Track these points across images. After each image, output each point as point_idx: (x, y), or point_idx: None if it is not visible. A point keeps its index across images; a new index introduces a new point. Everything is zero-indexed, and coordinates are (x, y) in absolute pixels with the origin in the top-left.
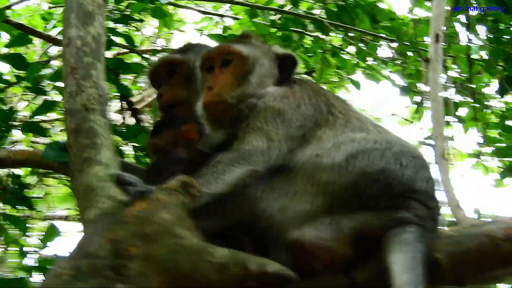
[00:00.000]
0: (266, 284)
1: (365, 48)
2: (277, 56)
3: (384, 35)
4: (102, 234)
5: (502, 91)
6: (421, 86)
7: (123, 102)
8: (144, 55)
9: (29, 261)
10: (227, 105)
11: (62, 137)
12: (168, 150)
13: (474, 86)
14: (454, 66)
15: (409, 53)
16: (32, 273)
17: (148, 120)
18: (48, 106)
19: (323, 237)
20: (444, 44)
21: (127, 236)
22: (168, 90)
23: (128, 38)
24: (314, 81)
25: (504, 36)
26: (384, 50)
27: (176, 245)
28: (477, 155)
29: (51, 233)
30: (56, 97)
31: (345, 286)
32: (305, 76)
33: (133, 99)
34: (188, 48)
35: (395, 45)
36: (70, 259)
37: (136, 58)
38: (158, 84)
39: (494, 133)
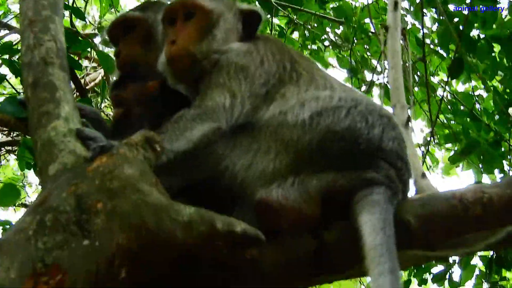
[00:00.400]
0: (233, 244)
1: (312, 32)
2: (242, 11)
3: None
4: (65, 188)
5: (452, 75)
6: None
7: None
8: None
9: None
10: (191, 58)
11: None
12: (131, 104)
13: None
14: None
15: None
16: None
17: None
18: None
19: (289, 197)
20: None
21: (91, 191)
22: (127, 48)
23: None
24: (278, 39)
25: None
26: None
27: (141, 201)
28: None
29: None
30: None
31: (312, 247)
32: None
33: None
34: (147, 6)
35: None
36: (33, 213)
37: None
38: (117, 42)
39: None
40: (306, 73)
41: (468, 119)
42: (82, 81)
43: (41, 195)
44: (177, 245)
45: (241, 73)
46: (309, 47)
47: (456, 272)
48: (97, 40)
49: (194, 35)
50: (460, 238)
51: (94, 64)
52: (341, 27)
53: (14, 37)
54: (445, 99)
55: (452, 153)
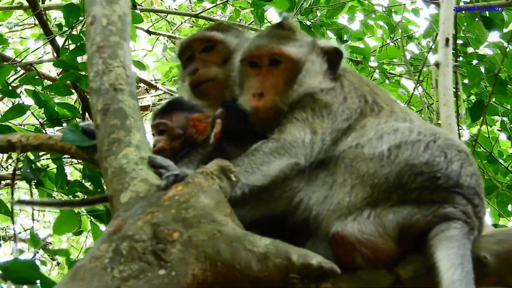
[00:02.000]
0: (308, 276)
1: None
2: (323, 50)
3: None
4: (140, 217)
5: (473, 117)
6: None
7: None
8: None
9: None
10: (277, 110)
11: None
12: (178, 134)
13: None
14: None
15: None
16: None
17: None
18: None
19: (365, 231)
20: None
21: (167, 220)
22: (205, 66)
23: None
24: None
25: None
26: None
27: (216, 231)
28: None
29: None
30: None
31: (389, 283)
32: None
33: None
34: (227, 29)
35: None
36: (108, 241)
37: None
38: (190, 58)
39: None
40: (387, 105)
41: (485, 161)
42: None
43: (114, 222)
44: (252, 277)
45: (325, 110)
46: None
47: None
48: None
49: (280, 86)
50: None
51: None
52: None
53: None
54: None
55: None
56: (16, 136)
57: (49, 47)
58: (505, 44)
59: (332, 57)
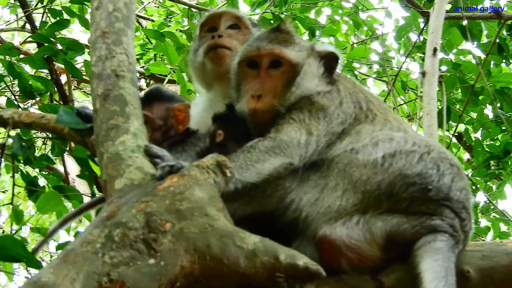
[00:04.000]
0: (293, 277)
1: None
2: (320, 54)
3: None
4: (135, 205)
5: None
6: None
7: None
8: None
9: None
10: (274, 112)
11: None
12: (159, 125)
13: None
14: None
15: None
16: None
17: None
18: None
19: (353, 236)
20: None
21: (161, 210)
22: (229, 36)
23: None
24: (352, 77)
25: None
26: None
27: (208, 225)
28: None
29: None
30: None
31: None
32: None
33: None
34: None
35: None
36: (101, 226)
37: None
38: (212, 28)
39: None
40: (381, 113)
41: None
42: None
43: (108, 208)
44: (239, 273)
45: (321, 112)
46: None
47: None
48: None
49: (279, 89)
50: None
51: None
52: None
53: None
54: None
55: None
56: (8, 112)
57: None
58: (483, 56)
59: (328, 61)
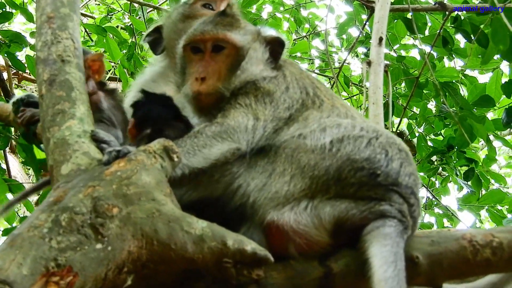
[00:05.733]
0: (241, 262)
1: None
2: (266, 39)
3: None
4: (82, 190)
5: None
6: None
7: None
8: None
9: None
10: (219, 95)
11: None
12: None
13: None
14: None
15: None
16: None
17: None
18: None
19: (301, 221)
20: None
21: (108, 195)
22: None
23: None
24: (297, 63)
25: None
26: None
27: (155, 210)
28: None
29: None
30: None
31: (319, 274)
32: None
33: None
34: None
35: None
36: (48, 210)
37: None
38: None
39: None
40: (328, 100)
41: None
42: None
43: (54, 193)
44: (186, 259)
45: (267, 97)
46: None
47: None
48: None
49: (223, 71)
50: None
51: None
52: None
53: None
54: None
55: None
56: None
57: None
58: (427, 49)
59: (274, 47)
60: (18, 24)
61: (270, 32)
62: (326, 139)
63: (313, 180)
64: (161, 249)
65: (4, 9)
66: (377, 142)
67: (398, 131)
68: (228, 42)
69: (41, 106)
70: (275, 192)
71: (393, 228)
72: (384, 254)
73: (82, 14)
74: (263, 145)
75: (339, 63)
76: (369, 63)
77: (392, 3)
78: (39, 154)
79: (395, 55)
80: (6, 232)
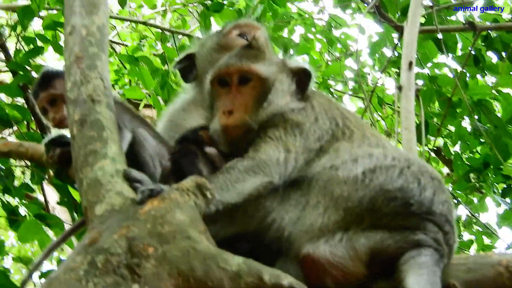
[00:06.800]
0: None
1: None
2: (292, 70)
3: None
4: (116, 230)
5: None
6: None
7: None
8: None
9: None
10: (247, 128)
11: None
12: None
13: None
14: None
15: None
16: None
17: None
18: None
19: (336, 253)
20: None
21: (142, 234)
22: None
23: None
24: (327, 94)
25: None
26: None
27: (190, 248)
28: None
29: None
30: None
31: None
32: None
33: None
34: None
35: None
36: (83, 253)
37: None
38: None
39: None
40: (357, 130)
41: None
42: None
43: (90, 234)
44: None
45: (297, 129)
46: None
47: None
48: None
49: (250, 104)
50: None
51: None
52: None
53: None
54: None
55: None
56: None
57: None
58: (459, 68)
59: (301, 77)
60: (50, 57)
61: (296, 62)
62: (358, 170)
63: (347, 212)
64: (198, 287)
65: (34, 44)
66: (409, 171)
67: (435, 148)
68: (253, 74)
69: (73, 147)
70: (310, 225)
71: (429, 257)
72: (421, 283)
73: (115, 42)
74: (295, 177)
75: (373, 83)
76: (400, 88)
77: (422, 24)
78: (76, 194)
79: (427, 71)
80: (43, 275)
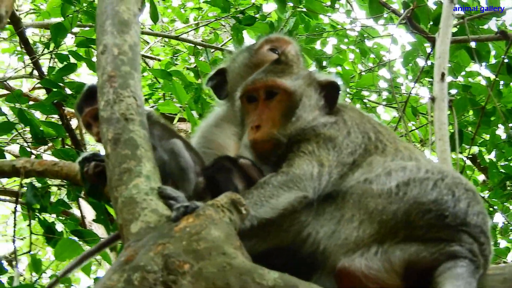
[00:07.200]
0: None
1: None
2: (320, 84)
3: None
4: (152, 248)
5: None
6: None
7: None
8: None
9: None
10: (275, 142)
11: None
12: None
13: None
14: None
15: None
16: None
17: None
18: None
19: (372, 266)
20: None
21: (178, 251)
22: None
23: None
24: (358, 108)
25: None
26: None
27: (226, 264)
28: None
29: None
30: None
31: None
32: None
33: None
34: None
35: None
36: (120, 270)
37: None
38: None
39: None
40: (390, 143)
41: None
42: None
43: (126, 252)
44: None
45: (330, 143)
46: None
47: None
48: None
49: (278, 118)
50: None
51: None
52: None
53: None
54: None
55: None
56: (20, 161)
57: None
58: (492, 77)
59: (329, 91)
60: (84, 72)
61: (324, 76)
62: (392, 183)
63: (382, 225)
64: None
65: (68, 61)
66: (443, 183)
67: (471, 155)
68: (279, 88)
69: (107, 166)
70: (345, 239)
71: (464, 269)
72: None
73: (148, 57)
74: (329, 191)
75: (406, 93)
76: (433, 99)
77: (454, 34)
78: (112, 211)
79: (461, 79)
80: None
